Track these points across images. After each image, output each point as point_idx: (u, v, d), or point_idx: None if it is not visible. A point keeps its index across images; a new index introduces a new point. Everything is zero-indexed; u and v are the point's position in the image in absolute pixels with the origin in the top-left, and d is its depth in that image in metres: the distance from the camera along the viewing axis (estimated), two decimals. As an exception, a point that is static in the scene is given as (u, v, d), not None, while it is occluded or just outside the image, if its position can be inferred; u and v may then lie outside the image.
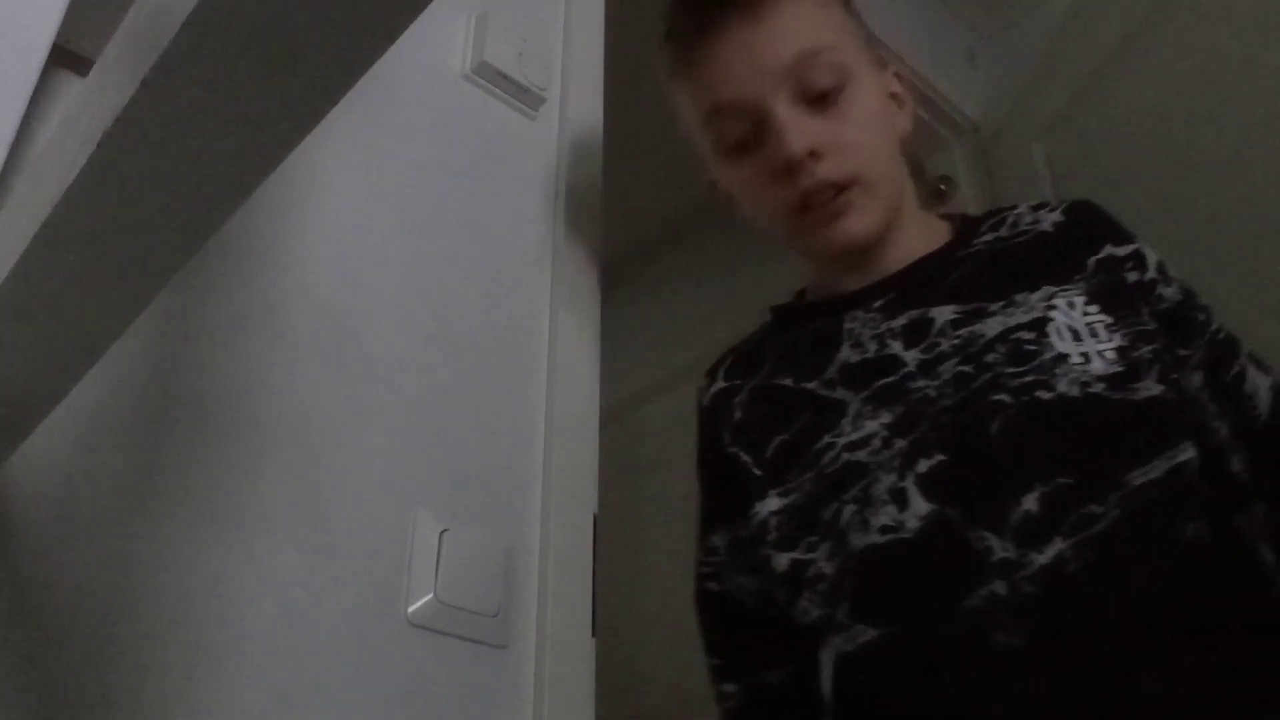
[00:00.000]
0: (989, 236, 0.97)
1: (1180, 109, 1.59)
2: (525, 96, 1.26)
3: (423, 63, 1.19)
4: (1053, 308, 0.85)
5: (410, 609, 0.90)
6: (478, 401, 1.06)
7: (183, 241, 0.48)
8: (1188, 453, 0.78)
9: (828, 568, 0.83)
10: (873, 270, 0.96)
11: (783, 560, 0.87)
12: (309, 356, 0.94)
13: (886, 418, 0.85)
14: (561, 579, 1.01)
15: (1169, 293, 0.90)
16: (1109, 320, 0.84)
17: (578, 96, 1.32)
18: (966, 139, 2.08)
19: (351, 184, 1.06)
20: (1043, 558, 0.73)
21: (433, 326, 1.05)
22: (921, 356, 0.87)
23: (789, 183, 0.91)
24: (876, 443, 0.84)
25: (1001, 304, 0.87)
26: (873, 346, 0.90)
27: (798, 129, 0.90)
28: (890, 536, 0.79)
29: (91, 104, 0.46)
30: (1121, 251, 0.91)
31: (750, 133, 0.93)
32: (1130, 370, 0.81)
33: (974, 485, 0.79)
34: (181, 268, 0.50)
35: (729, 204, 1.02)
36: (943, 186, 2.04)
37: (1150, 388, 0.80)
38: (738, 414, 0.97)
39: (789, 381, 0.94)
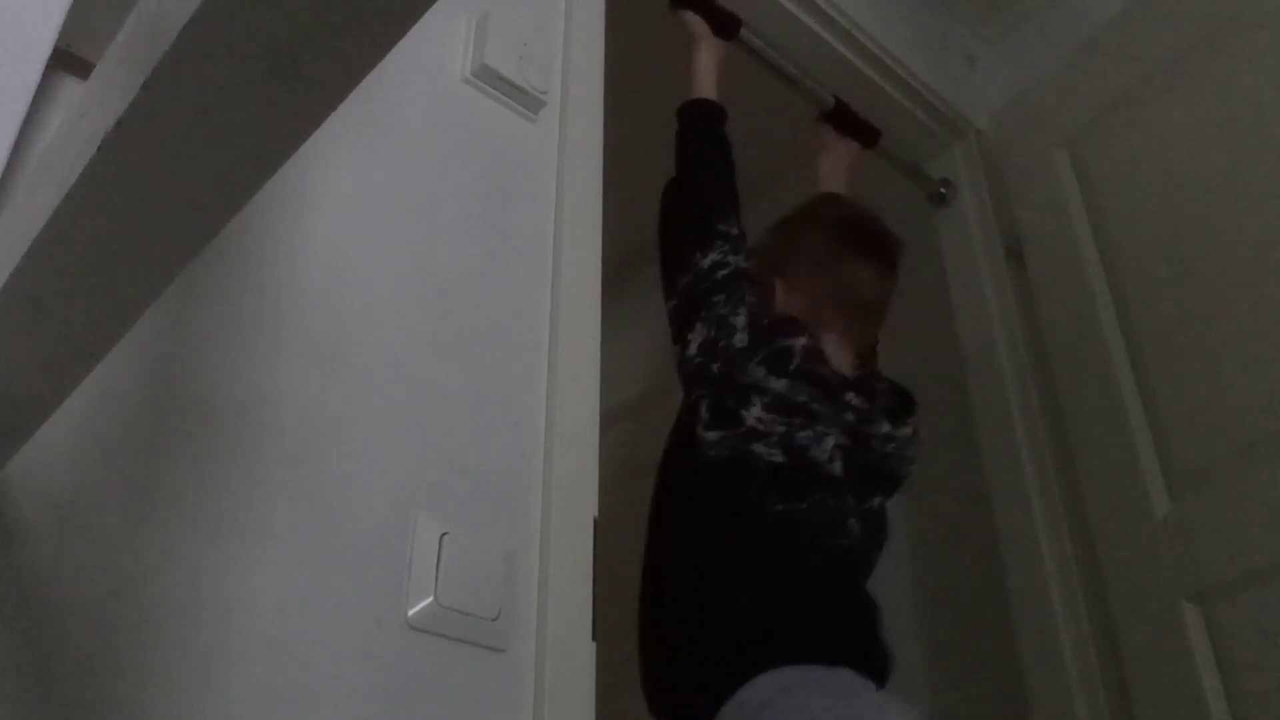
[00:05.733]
0: None
1: (1221, 133, 1.61)
2: (526, 99, 1.26)
3: (423, 66, 1.19)
4: None
5: (410, 612, 0.90)
6: (478, 404, 1.06)
7: (183, 244, 0.48)
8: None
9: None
10: None
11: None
12: (309, 359, 0.94)
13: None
14: (562, 582, 1.01)
15: None
16: None
17: (578, 99, 1.33)
18: (967, 141, 2.08)
19: (352, 187, 1.06)
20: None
21: (433, 329, 1.05)
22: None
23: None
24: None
25: None
26: None
27: None
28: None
29: (92, 107, 0.46)
30: None
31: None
32: None
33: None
34: (182, 270, 0.50)
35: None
36: (943, 190, 2.04)
37: None
38: None
39: None
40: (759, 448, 1.21)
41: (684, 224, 1.38)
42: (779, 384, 1.24)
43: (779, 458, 1.21)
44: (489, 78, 1.23)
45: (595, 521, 1.08)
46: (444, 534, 0.95)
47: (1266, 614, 1.38)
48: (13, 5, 0.82)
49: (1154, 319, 1.64)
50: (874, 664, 1.16)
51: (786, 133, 1.87)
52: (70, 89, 0.87)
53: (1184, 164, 1.66)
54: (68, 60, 0.87)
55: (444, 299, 1.08)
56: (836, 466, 1.26)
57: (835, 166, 1.76)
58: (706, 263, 1.31)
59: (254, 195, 0.46)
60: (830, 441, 1.26)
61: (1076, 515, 1.66)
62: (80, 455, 0.77)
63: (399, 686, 0.87)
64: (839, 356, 1.38)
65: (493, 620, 0.94)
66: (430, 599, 0.91)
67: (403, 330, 1.03)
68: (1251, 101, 1.58)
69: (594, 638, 1.02)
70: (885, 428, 1.36)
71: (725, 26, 1.62)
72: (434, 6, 0.39)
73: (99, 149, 0.41)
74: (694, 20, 1.60)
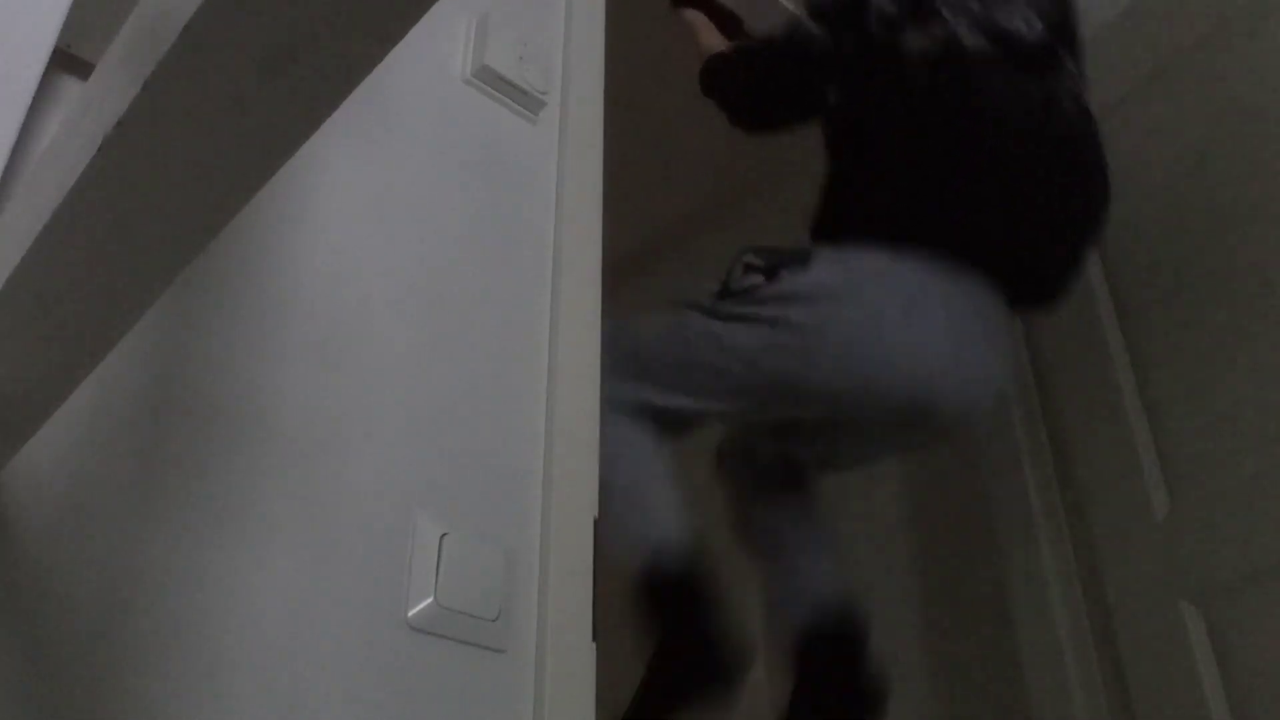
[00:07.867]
0: None
1: (1220, 134, 1.61)
2: (526, 100, 1.26)
3: (423, 66, 1.19)
4: None
5: (410, 613, 0.90)
6: (478, 404, 1.06)
7: (183, 244, 0.48)
8: None
9: None
10: None
11: None
12: (309, 359, 0.94)
13: None
14: (562, 583, 1.01)
15: None
16: None
17: (578, 99, 1.33)
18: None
19: (352, 187, 1.06)
20: None
21: (433, 329, 1.05)
22: None
23: None
24: None
25: None
26: None
27: None
28: None
29: (92, 108, 0.46)
30: None
31: None
32: None
33: None
34: (182, 270, 0.50)
35: None
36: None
37: None
38: None
39: None
40: None
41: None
42: None
43: None
44: (489, 78, 1.23)
45: (595, 521, 1.08)
46: (444, 534, 0.95)
47: (1266, 614, 1.38)
48: (13, 5, 0.82)
49: (1154, 320, 1.64)
50: None
51: (786, 133, 1.87)
52: (70, 89, 0.87)
53: (1183, 165, 1.66)
54: (68, 60, 0.87)
55: (444, 299, 1.08)
56: None
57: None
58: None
59: (254, 195, 0.46)
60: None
61: (1076, 515, 1.66)
62: (80, 455, 0.77)
63: (399, 687, 0.87)
64: None
65: (493, 621, 0.94)
66: (430, 599, 0.91)
67: (403, 330, 1.03)
68: (1251, 102, 1.58)
69: (594, 638, 1.02)
70: None
71: (726, 26, 1.62)
72: (434, 6, 0.39)
73: (99, 149, 0.41)
74: (695, 17, 1.60)
